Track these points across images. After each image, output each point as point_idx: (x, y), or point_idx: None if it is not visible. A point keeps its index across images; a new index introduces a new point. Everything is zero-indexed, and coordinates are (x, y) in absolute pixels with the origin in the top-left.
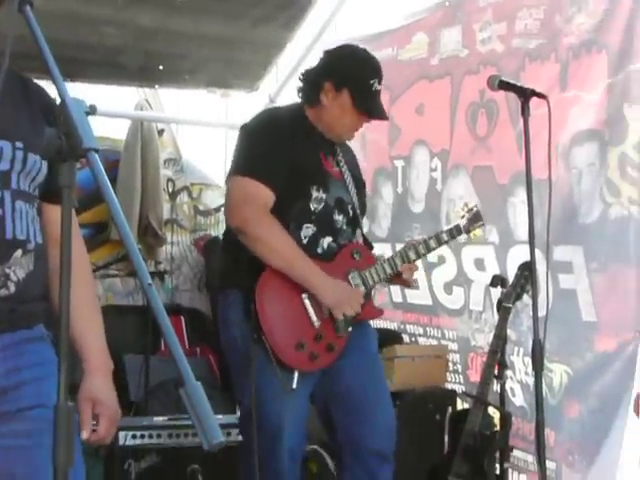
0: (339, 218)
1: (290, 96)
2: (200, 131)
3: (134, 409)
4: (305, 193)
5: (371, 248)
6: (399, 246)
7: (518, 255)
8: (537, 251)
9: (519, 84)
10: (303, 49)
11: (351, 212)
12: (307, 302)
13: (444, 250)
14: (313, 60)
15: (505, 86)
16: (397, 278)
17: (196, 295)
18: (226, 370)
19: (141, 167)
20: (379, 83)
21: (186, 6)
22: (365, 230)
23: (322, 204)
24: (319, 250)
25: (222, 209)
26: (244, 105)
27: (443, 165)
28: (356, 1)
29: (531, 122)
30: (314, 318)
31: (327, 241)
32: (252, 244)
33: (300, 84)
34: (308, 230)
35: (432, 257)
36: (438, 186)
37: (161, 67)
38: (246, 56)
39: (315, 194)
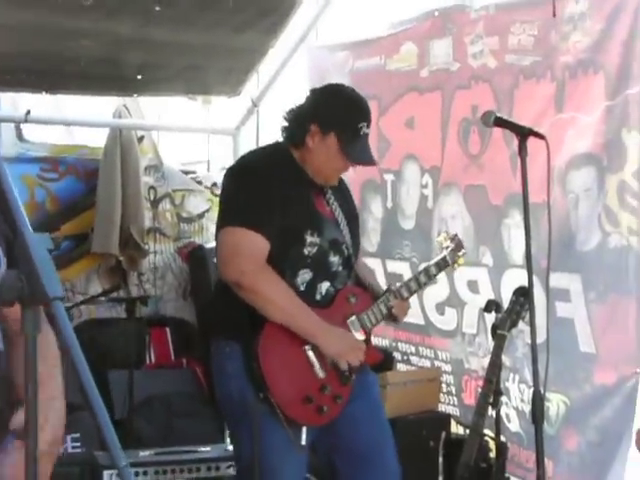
0: (335, 259)
1: (273, 100)
2: (183, 137)
3: (120, 429)
4: (299, 239)
5: (365, 289)
6: (389, 262)
7: (513, 279)
8: (534, 277)
9: (516, 122)
10: (286, 53)
11: (346, 252)
12: (310, 353)
13: None
14: (296, 64)
15: (501, 123)
16: (390, 319)
17: (181, 304)
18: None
19: (121, 175)
20: (367, 126)
21: (164, 15)
22: None
23: (316, 247)
24: (317, 297)
25: (206, 215)
26: (227, 110)
27: (434, 182)
28: (340, 6)
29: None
30: (318, 370)
31: (325, 286)
32: (249, 297)
33: (284, 124)
34: (305, 276)
35: None
36: (429, 204)
37: (140, 76)
38: (227, 63)
39: (309, 239)
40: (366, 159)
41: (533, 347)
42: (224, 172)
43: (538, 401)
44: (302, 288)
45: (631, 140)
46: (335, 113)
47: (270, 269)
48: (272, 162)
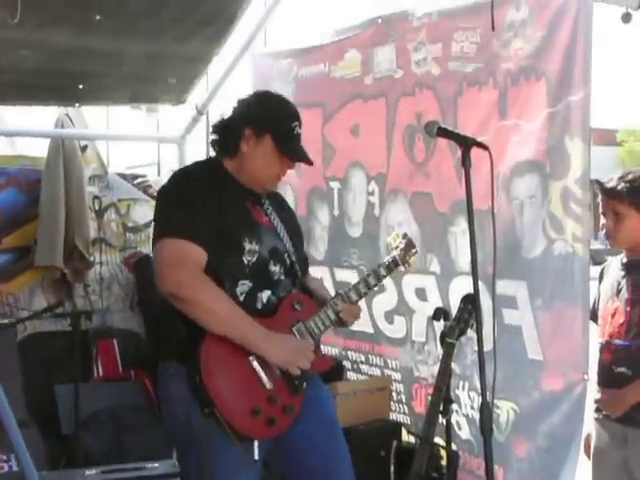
0: (275, 269)
1: (219, 106)
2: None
3: (67, 445)
4: (237, 247)
5: (311, 296)
6: (337, 270)
7: (460, 286)
8: (481, 284)
9: (459, 132)
10: (231, 59)
11: (288, 261)
12: (255, 364)
13: None
14: (241, 70)
15: (445, 133)
16: (340, 323)
17: (128, 315)
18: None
19: (64, 186)
20: (299, 126)
21: (105, 24)
22: None
23: (256, 256)
24: (258, 305)
25: (152, 224)
26: (175, 116)
27: (380, 189)
28: (284, 14)
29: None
30: (265, 380)
31: (266, 295)
32: (188, 309)
33: (215, 136)
34: (244, 286)
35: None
36: (376, 211)
37: (81, 86)
38: (170, 71)
39: (248, 246)
40: (304, 157)
41: (480, 355)
42: (161, 186)
43: (486, 410)
44: (241, 298)
45: (574, 147)
46: (268, 114)
47: (208, 279)
48: (202, 174)
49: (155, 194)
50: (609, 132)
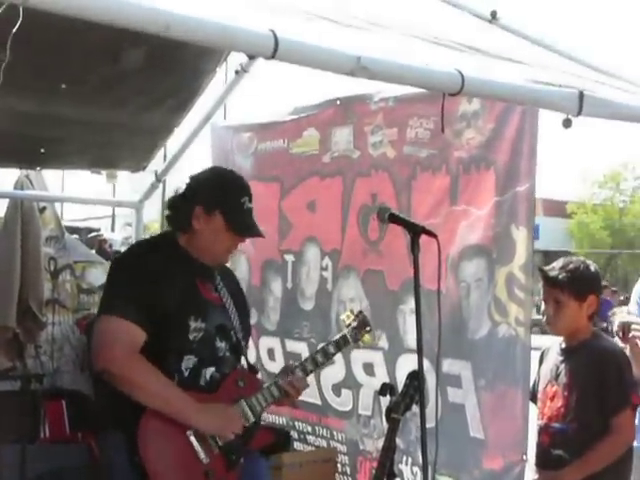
0: (221, 345)
1: (178, 175)
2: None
3: None
4: (182, 325)
5: (255, 372)
6: (288, 341)
7: (407, 363)
8: (426, 361)
9: (409, 219)
10: (192, 129)
11: (234, 337)
12: (192, 439)
13: None
14: (203, 140)
15: (395, 220)
16: (284, 398)
17: (78, 376)
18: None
19: (21, 246)
20: (250, 201)
21: (70, 92)
22: (253, 322)
23: (201, 333)
24: (202, 382)
25: None
26: (132, 182)
27: (334, 265)
28: (246, 88)
29: None
30: (202, 455)
31: (210, 372)
32: (121, 386)
33: (169, 212)
34: (189, 361)
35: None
36: (329, 286)
37: (43, 150)
38: (132, 140)
39: (193, 324)
40: (254, 232)
41: (422, 431)
42: (112, 260)
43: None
44: (186, 374)
45: (519, 235)
46: (216, 192)
47: (140, 356)
48: (157, 252)
49: (108, 249)
50: (559, 203)
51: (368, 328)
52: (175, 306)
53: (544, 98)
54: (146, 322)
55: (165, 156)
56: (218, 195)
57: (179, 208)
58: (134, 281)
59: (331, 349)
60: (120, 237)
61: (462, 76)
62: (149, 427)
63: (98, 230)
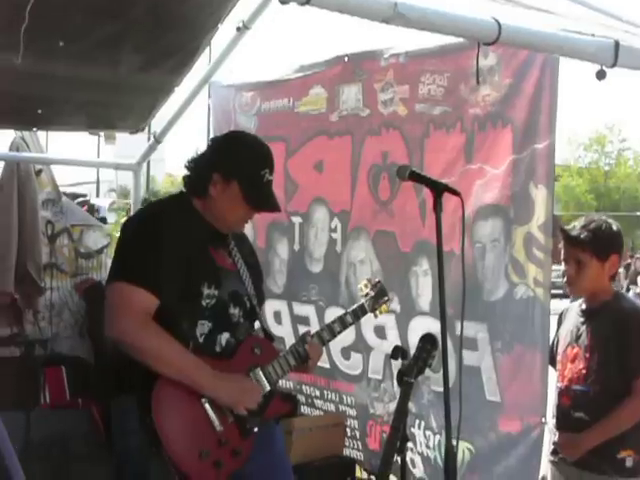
0: (235, 311)
1: (175, 137)
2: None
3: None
4: (195, 291)
5: (272, 340)
6: (295, 305)
7: (419, 325)
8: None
9: (431, 177)
10: (191, 90)
11: (248, 304)
12: (207, 406)
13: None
14: (200, 102)
15: (416, 178)
16: (300, 367)
17: (77, 342)
18: (110, 422)
19: (18, 210)
20: (270, 173)
21: (67, 51)
22: None
23: (214, 300)
24: (217, 348)
25: (105, 251)
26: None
27: (343, 226)
28: (248, 46)
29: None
30: (216, 422)
31: (225, 337)
32: (135, 354)
33: (187, 173)
34: (203, 327)
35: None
36: (338, 247)
37: (40, 111)
38: (130, 100)
39: (206, 291)
40: (269, 206)
41: (446, 401)
42: (123, 222)
43: (451, 453)
44: (201, 340)
45: (538, 194)
46: (237, 161)
47: (154, 325)
48: (171, 215)
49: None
50: None
51: (386, 298)
52: (188, 273)
53: (580, 48)
54: (159, 288)
55: None
56: (237, 164)
57: (197, 172)
58: (147, 245)
59: (349, 319)
60: (106, 203)
61: (499, 24)
62: (164, 394)
63: (85, 196)
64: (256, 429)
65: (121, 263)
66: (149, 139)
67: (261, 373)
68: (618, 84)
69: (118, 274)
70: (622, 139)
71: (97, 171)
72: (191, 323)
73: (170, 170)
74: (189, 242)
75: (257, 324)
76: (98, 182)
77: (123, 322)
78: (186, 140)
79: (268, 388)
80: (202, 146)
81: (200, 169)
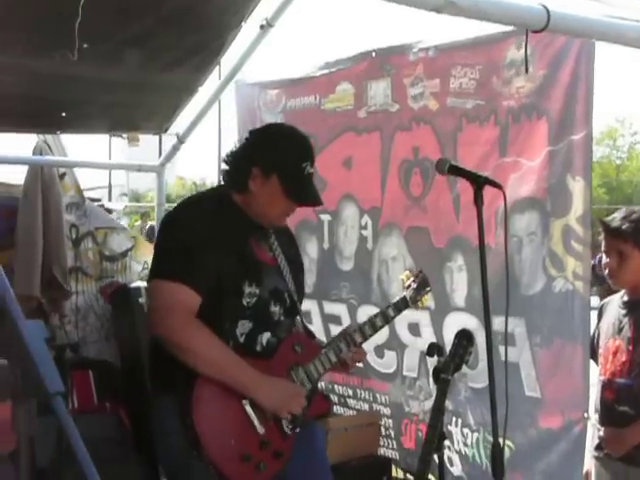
0: (276, 309)
1: (199, 137)
2: None
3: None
4: (237, 290)
5: (313, 337)
6: (326, 303)
7: (455, 322)
8: (476, 320)
9: (472, 171)
10: (214, 89)
11: (288, 300)
12: (248, 408)
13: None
14: (225, 101)
15: (456, 171)
16: (341, 365)
17: (104, 346)
18: (138, 425)
19: (42, 214)
20: (311, 165)
21: (91, 52)
22: None
23: (255, 298)
24: (258, 348)
25: (129, 253)
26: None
27: (374, 223)
28: (272, 44)
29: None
30: (257, 425)
31: (266, 337)
32: (179, 354)
33: (226, 167)
34: (244, 327)
35: (363, 317)
36: (369, 245)
37: (64, 114)
38: (155, 100)
39: (248, 290)
40: (310, 200)
41: (492, 399)
42: (162, 219)
43: (498, 453)
44: (242, 340)
45: (575, 186)
46: (276, 155)
47: (199, 323)
48: (211, 211)
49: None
50: None
51: (428, 288)
52: (229, 270)
53: (629, 35)
54: (201, 286)
55: None
56: (277, 157)
57: (236, 166)
58: (188, 242)
59: (391, 312)
60: (120, 207)
61: (548, 12)
62: (204, 395)
63: (99, 200)
64: (297, 430)
65: (162, 261)
66: (160, 142)
67: (303, 372)
68: (629, 77)
69: (160, 272)
70: (633, 132)
71: (109, 175)
72: (232, 322)
73: (180, 173)
74: (230, 237)
75: (297, 319)
76: (110, 186)
77: (168, 321)
78: (196, 143)
79: (310, 387)
80: (213, 149)
81: (239, 163)
